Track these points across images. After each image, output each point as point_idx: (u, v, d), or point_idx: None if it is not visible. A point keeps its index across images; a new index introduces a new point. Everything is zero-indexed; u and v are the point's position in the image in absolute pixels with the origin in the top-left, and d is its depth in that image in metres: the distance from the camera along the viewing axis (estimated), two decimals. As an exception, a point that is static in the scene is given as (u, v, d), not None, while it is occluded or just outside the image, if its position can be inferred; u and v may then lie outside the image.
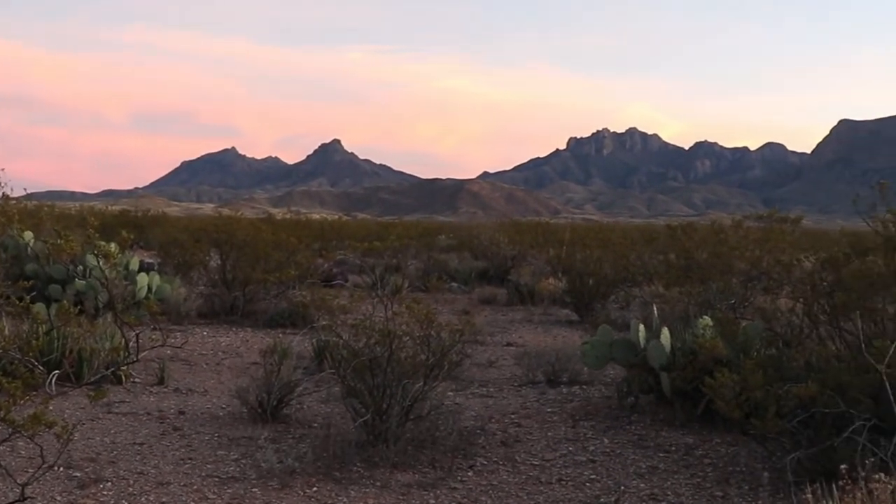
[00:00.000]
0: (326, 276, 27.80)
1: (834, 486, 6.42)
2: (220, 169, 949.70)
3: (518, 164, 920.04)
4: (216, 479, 9.20)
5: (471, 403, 12.94)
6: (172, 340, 15.11)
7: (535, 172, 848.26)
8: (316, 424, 11.10)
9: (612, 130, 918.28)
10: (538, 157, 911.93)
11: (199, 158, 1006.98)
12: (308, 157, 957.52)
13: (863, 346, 8.96)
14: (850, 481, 6.33)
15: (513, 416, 12.22)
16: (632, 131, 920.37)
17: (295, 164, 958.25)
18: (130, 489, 8.83)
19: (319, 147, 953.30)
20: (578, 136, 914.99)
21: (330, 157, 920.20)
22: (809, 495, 6.47)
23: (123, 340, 12.91)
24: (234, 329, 19.71)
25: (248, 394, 11.60)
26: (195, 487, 8.94)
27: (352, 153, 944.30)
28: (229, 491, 8.84)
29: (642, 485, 9.38)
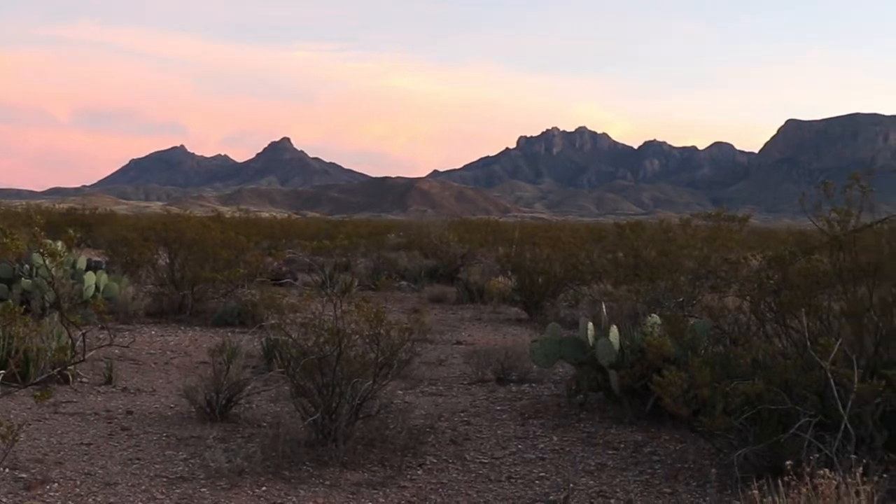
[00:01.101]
0: (276, 274, 27.78)
1: (780, 481, 6.49)
2: (169, 167, 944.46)
3: (468, 162, 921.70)
4: (164, 480, 9.14)
5: (420, 402, 12.95)
6: (120, 340, 15.06)
7: (485, 171, 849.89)
8: (265, 424, 11.05)
9: (561, 129, 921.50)
10: (488, 156, 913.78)
11: (147, 156, 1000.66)
12: (257, 155, 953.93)
13: (808, 343, 9.06)
14: (795, 477, 6.40)
15: (462, 415, 12.24)
16: (581, 130, 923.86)
17: (244, 163, 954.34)
18: (77, 490, 8.75)
19: (269, 145, 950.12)
20: (528, 135, 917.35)
21: (279, 155, 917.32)
22: (756, 491, 6.54)
23: (70, 340, 12.81)
24: (182, 328, 19.62)
25: (197, 393, 11.54)
26: (143, 488, 8.88)
27: (301, 151, 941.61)
28: (178, 491, 8.79)
29: (591, 482, 9.42)
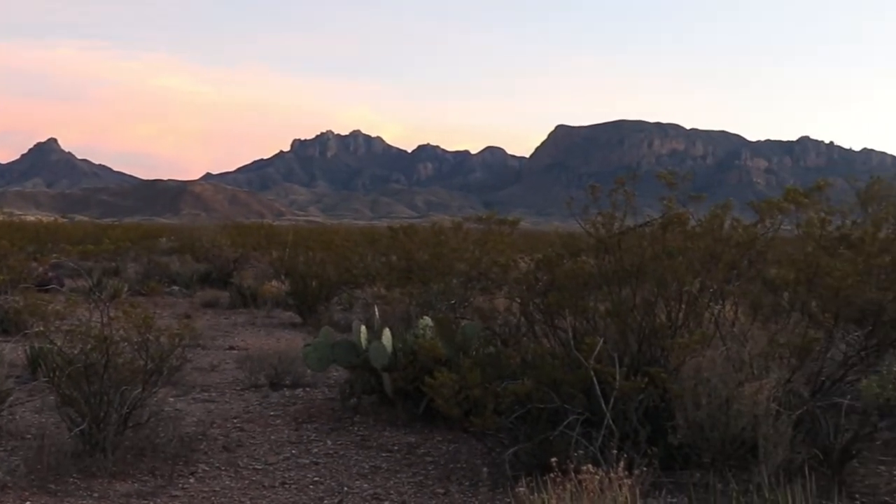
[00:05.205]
0: (41, 280, 26.83)
1: (547, 478, 6.64)
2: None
3: (241, 165, 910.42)
4: (-81, 497, 8.75)
5: (192, 409, 12.76)
6: None
7: (258, 174, 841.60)
8: (29, 435, 10.69)
9: (336, 133, 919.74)
10: (262, 159, 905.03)
11: None
12: (22, 156, 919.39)
13: (572, 343, 9.32)
14: (561, 473, 6.56)
15: (235, 421, 12.12)
16: (356, 134, 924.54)
17: (8, 164, 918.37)
18: None
19: (34, 146, 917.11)
20: (303, 138, 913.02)
21: (46, 156, 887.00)
22: (524, 488, 6.67)
23: None
24: (-61, 338, 18.78)
25: (-45, 406, 11.09)
26: None
27: (69, 153, 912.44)
28: (-66, 509, 8.44)
29: (365, 485, 9.45)
